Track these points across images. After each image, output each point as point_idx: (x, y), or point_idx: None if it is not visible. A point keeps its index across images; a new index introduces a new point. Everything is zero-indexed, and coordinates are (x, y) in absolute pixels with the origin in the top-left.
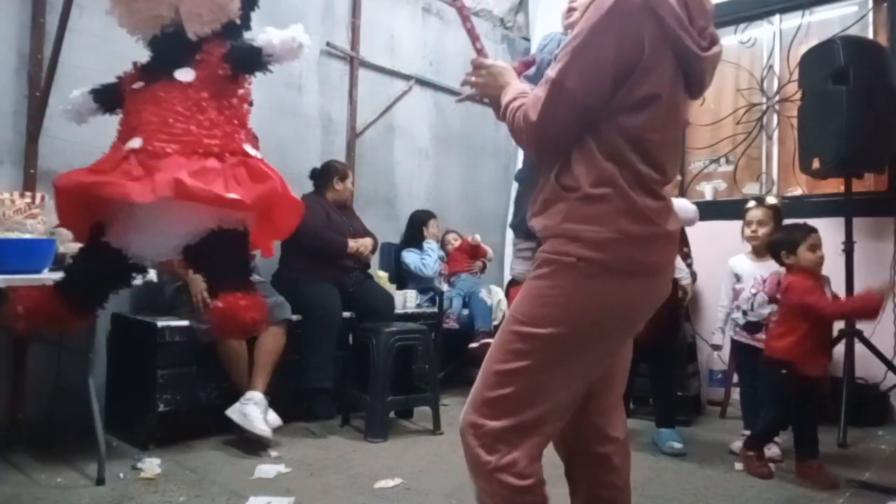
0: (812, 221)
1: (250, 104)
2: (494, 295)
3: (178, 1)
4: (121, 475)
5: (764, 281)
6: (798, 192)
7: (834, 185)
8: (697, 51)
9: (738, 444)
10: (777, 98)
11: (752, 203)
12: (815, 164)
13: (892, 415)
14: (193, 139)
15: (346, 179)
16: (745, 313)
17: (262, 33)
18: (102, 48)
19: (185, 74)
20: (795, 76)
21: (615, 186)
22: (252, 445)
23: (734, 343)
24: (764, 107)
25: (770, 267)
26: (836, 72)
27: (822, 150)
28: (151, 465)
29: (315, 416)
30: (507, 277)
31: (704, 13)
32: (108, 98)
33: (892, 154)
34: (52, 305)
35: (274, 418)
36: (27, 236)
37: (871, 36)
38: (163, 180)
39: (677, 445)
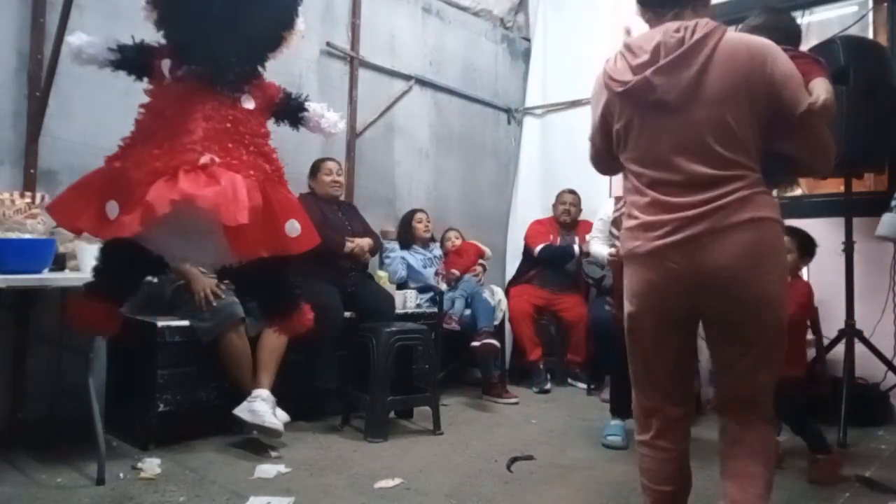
0: (812, 221)
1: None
2: (496, 295)
3: None
4: (121, 475)
5: None
6: (798, 192)
7: (834, 185)
8: (617, 89)
9: None
10: None
11: None
12: None
13: (892, 415)
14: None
15: (318, 173)
16: None
17: (315, 104)
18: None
19: (248, 102)
20: None
21: (624, 192)
22: (253, 445)
23: None
24: None
25: None
26: (836, 72)
27: None
28: (151, 465)
29: (317, 416)
30: (508, 277)
31: (650, 47)
32: (131, 63)
33: (892, 154)
34: (87, 308)
35: (283, 415)
36: (27, 236)
37: (871, 36)
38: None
39: None
